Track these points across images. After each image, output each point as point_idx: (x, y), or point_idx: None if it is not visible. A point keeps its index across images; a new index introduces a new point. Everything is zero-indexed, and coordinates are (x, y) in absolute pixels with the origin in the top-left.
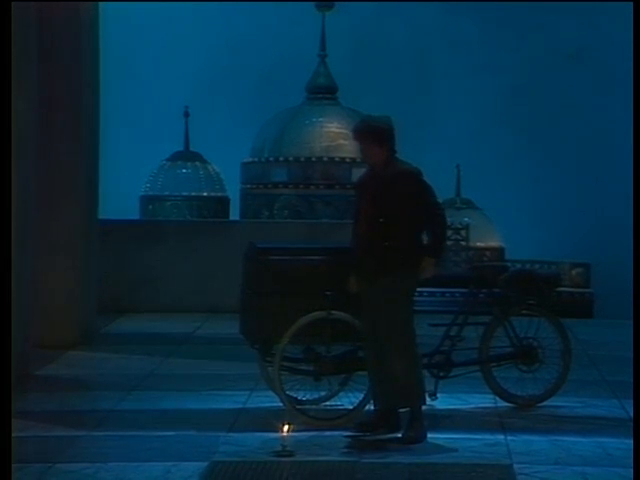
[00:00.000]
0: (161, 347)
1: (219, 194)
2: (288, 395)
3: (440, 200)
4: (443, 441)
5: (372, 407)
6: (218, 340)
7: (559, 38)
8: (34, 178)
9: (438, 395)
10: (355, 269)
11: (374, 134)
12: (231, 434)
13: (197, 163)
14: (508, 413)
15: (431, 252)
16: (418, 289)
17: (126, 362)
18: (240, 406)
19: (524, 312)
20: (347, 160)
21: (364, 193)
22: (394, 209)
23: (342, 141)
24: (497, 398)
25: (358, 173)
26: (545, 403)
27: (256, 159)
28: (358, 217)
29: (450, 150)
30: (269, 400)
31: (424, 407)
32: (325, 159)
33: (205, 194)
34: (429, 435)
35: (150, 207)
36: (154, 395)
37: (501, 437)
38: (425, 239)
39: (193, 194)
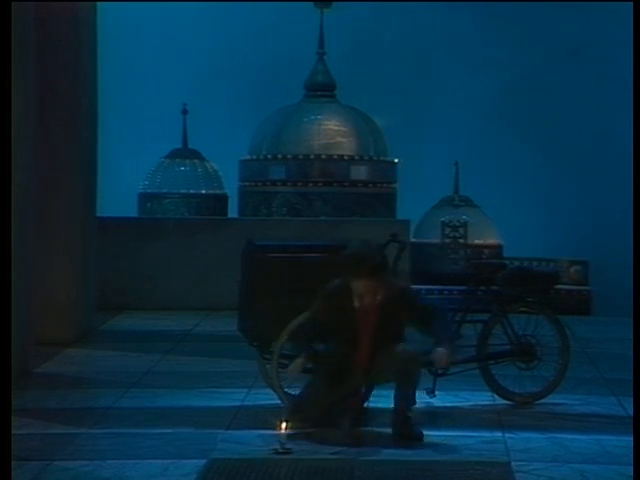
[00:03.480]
0: (159, 345)
1: (217, 192)
2: (286, 392)
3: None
4: (441, 438)
5: (369, 404)
6: (216, 338)
7: (559, 35)
8: (33, 177)
9: (436, 392)
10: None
11: (367, 269)
12: (229, 431)
13: (195, 161)
14: (506, 410)
15: (442, 342)
16: (416, 286)
17: (124, 360)
18: (238, 404)
19: (522, 309)
20: (345, 158)
21: (360, 316)
22: (394, 322)
23: (340, 139)
24: (495, 395)
25: (356, 171)
26: (543, 400)
27: (254, 157)
28: (356, 341)
29: (449, 147)
30: (267, 398)
31: (421, 405)
32: (323, 157)
33: (203, 192)
34: (427, 432)
35: (148, 205)
36: (152, 393)
37: (499, 434)
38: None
39: (191, 192)
